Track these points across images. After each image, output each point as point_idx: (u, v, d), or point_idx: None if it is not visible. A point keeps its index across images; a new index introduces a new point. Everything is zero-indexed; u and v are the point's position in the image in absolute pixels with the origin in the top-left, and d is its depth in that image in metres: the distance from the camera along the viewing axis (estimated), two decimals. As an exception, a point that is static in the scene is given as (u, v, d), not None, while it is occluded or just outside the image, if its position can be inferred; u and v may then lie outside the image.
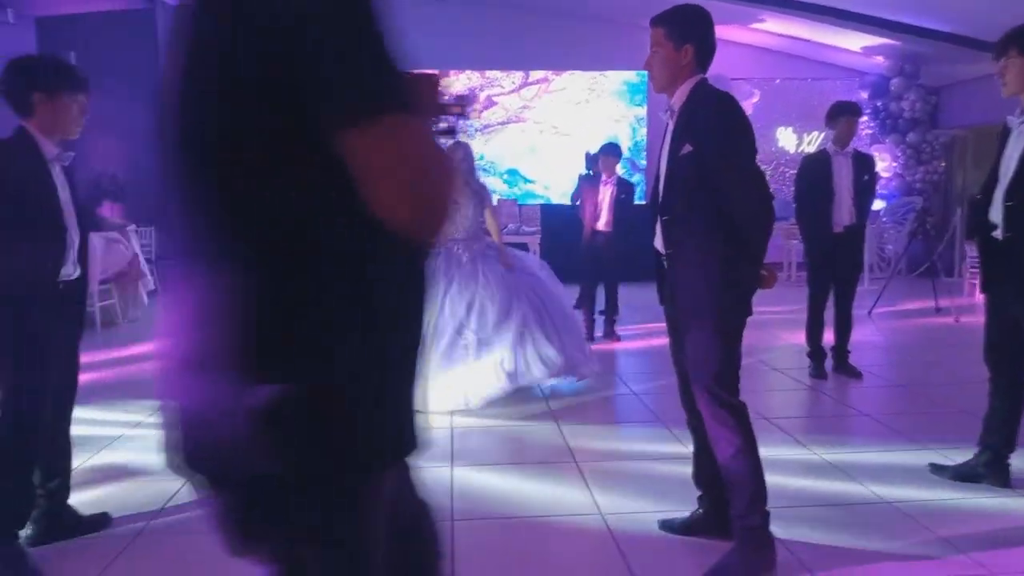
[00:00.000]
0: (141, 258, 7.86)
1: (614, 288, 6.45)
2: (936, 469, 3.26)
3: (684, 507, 2.78)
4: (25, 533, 2.68)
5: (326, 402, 0.94)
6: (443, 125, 1.15)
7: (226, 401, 0.93)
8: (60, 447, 2.74)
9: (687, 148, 2.36)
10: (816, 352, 5.13)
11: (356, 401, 0.97)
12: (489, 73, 10.96)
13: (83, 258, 2.70)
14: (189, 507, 3.03)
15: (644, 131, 11.09)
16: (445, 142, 1.20)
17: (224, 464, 0.96)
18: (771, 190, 2.59)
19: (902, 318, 7.59)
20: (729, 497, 2.42)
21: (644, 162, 11.01)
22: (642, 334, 6.64)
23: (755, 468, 2.38)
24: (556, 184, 10.63)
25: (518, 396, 4.48)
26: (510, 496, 3.15)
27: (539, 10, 10.28)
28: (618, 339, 6.42)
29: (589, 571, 2.63)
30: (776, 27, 10.30)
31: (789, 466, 3.37)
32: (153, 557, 2.64)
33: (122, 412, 4.39)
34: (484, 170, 10.54)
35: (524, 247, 7.79)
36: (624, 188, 6.40)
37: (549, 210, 9.81)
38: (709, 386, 2.38)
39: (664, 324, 2.66)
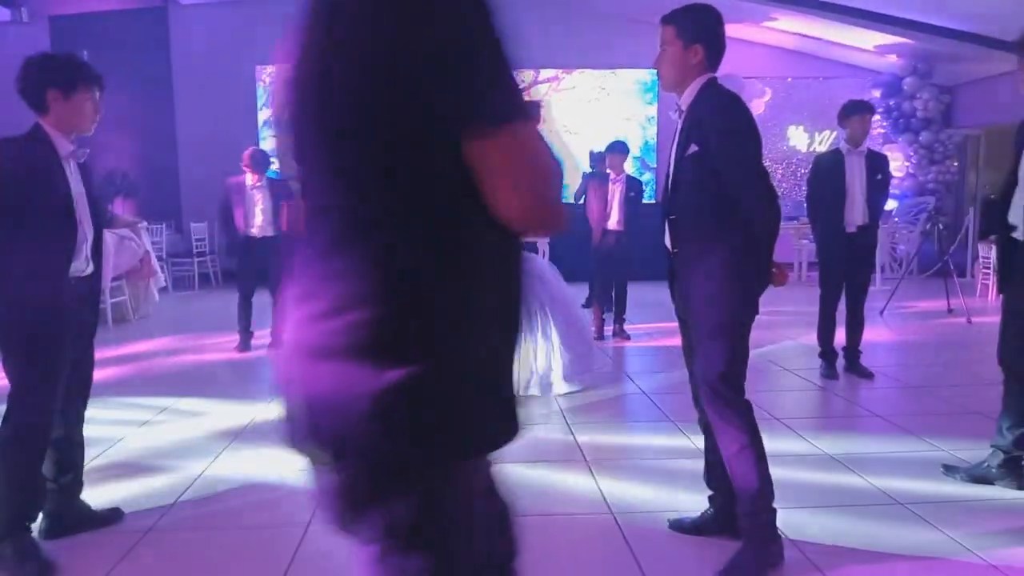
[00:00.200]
0: (152, 255, 7.89)
1: (624, 287, 6.44)
2: (949, 470, 3.24)
3: (695, 506, 2.77)
4: (38, 527, 2.70)
5: (442, 387, 0.99)
6: None
7: (349, 386, 0.98)
8: (73, 442, 2.76)
9: (693, 148, 2.37)
10: (827, 352, 5.10)
11: (470, 388, 1.02)
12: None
13: (97, 254, 2.72)
14: (201, 503, 3.06)
15: (655, 130, 11.07)
16: None
17: (342, 444, 1.01)
18: (781, 189, 2.58)
19: (914, 319, 7.55)
20: (735, 493, 2.43)
21: (655, 163, 10.98)
22: (652, 333, 6.62)
23: (760, 465, 2.38)
24: (567, 183, 10.62)
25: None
26: (520, 494, 3.14)
27: (549, 8, 10.27)
28: (628, 338, 6.42)
29: (600, 569, 2.63)
30: (788, 25, 10.25)
31: (800, 466, 3.36)
32: (164, 553, 2.66)
33: (134, 408, 4.43)
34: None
35: (534, 248, 7.79)
36: (633, 186, 6.38)
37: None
38: (715, 384, 2.39)
39: (674, 323, 2.66)
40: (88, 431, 2.85)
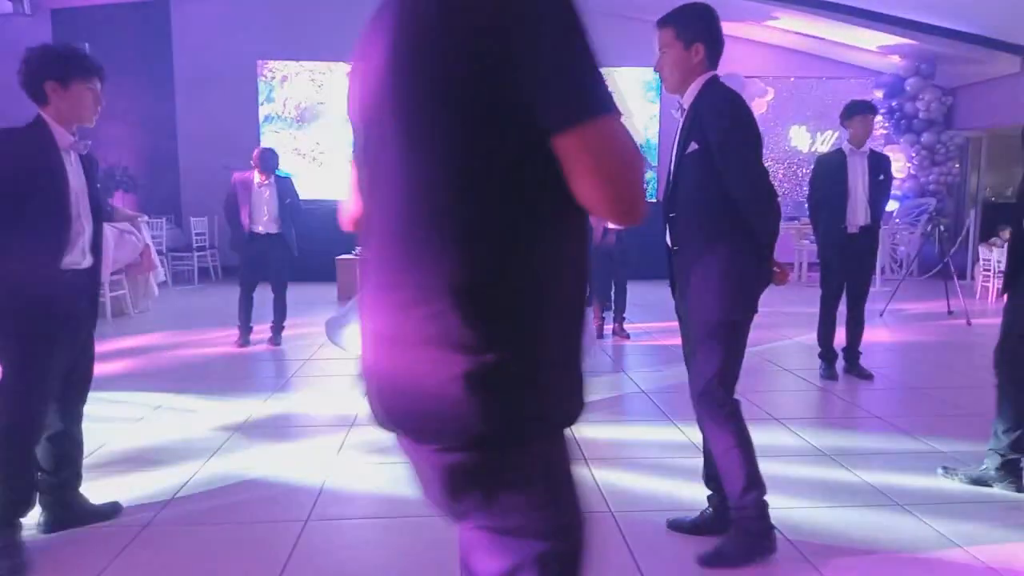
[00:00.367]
0: (152, 249, 7.89)
1: (624, 286, 6.44)
2: (947, 471, 3.24)
3: (693, 504, 2.77)
4: (36, 521, 2.70)
5: (527, 368, 1.04)
6: None
7: (440, 372, 1.02)
8: (72, 436, 2.75)
9: (693, 146, 2.37)
10: (827, 353, 5.10)
11: (550, 367, 1.07)
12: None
13: (97, 247, 2.70)
14: (199, 499, 3.06)
15: (656, 129, 11.06)
16: None
17: (433, 426, 1.05)
18: (783, 189, 2.59)
19: (914, 320, 7.54)
20: (724, 487, 2.49)
21: (656, 161, 10.97)
22: (652, 332, 6.62)
23: (748, 462, 2.44)
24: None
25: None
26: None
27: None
28: (627, 336, 6.42)
29: (597, 568, 2.62)
30: (791, 25, 10.24)
31: (798, 465, 3.36)
32: (162, 548, 2.65)
33: (133, 402, 4.43)
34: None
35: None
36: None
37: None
38: (708, 382, 2.43)
39: (674, 322, 2.66)
40: (87, 425, 2.84)
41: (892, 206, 10.10)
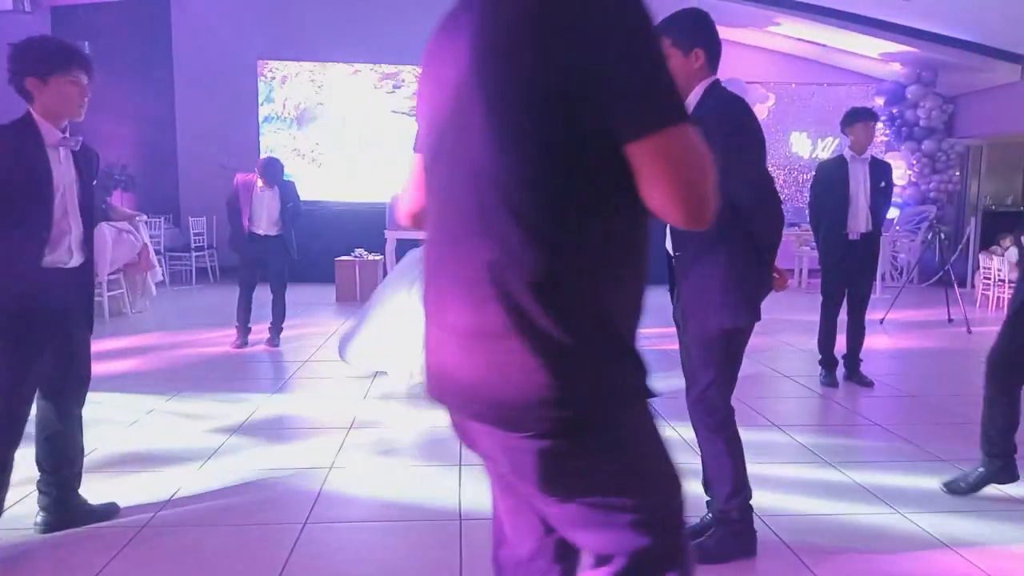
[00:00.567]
0: (151, 248, 7.87)
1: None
2: (949, 485, 3.20)
3: (692, 509, 2.75)
4: (35, 521, 2.69)
5: (604, 351, 1.10)
6: None
7: (523, 362, 1.06)
8: (72, 437, 2.74)
9: None
10: (828, 360, 5.09)
11: (623, 350, 1.14)
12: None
13: (88, 245, 2.64)
14: (197, 499, 3.04)
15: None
16: None
17: (521, 415, 1.09)
18: (784, 195, 2.58)
19: (914, 328, 7.54)
20: (711, 489, 2.56)
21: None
22: (650, 337, 6.61)
23: (737, 467, 2.49)
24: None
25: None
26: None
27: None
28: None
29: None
30: (792, 31, 10.25)
31: (797, 474, 3.35)
32: (160, 548, 2.64)
33: (131, 403, 4.41)
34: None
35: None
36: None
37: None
38: (705, 388, 2.45)
39: (671, 327, 2.65)
40: (85, 425, 2.83)
41: (893, 213, 10.12)
